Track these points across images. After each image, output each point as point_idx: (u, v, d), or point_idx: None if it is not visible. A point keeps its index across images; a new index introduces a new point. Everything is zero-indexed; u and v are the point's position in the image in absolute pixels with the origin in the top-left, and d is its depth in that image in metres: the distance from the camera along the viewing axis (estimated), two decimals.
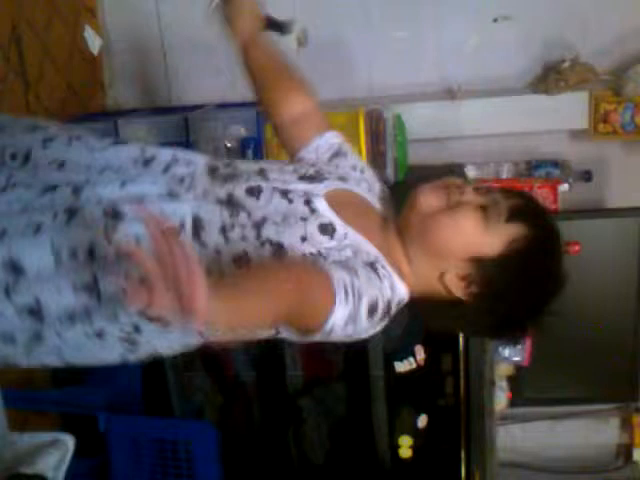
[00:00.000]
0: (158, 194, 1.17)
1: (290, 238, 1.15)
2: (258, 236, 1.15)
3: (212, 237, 1.14)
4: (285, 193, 1.20)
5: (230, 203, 1.17)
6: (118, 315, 1.13)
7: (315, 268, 1.10)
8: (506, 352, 2.49)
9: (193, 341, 1.20)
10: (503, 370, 2.66)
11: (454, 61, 2.89)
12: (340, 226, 1.19)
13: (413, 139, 2.77)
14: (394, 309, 1.20)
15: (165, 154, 1.24)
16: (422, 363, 2.53)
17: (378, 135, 2.66)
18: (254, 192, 1.19)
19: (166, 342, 1.20)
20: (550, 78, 2.78)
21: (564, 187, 2.79)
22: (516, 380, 2.78)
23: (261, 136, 2.63)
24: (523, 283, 1.18)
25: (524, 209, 1.19)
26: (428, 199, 1.21)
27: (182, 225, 1.14)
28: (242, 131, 2.64)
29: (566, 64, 2.74)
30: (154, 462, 2.43)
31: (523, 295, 1.19)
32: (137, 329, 1.15)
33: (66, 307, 1.13)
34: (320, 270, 1.09)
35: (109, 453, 2.41)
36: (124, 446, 2.41)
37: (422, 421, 2.60)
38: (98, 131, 2.66)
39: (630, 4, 2.77)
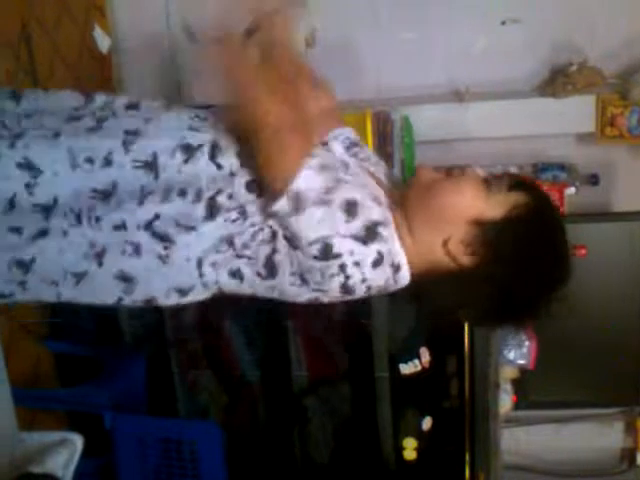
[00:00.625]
0: (179, 127, 1.23)
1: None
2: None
3: (228, 160, 1.19)
4: None
5: None
6: (126, 224, 1.17)
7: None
8: (511, 355, 2.49)
9: (188, 282, 1.21)
10: (508, 373, 2.65)
11: (462, 63, 2.90)
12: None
13: (420, 141, 2.77)
14: (385, 251, 1.16)
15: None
16: (427, 365, 2.53)
17: (385, 136, 2.66)
18: None
19: (163, 281, 1.20)
20: (558, 81, 2.79)
21: (571, 190, 2.80)
22: (521, 383, 2.77)
23: None
24: (525, 249, 1.18)
25: (524, 183, 1.24)
26: (429, 173, 1.26)
27: (200, 146, 1.20)
28: None
29: (574, 67, 2.74)
30: (159, 461, 2.43)
31: (525, 263, 1.18)
32: (137, 250, 1.17)
33: (77, 205, 1.17)
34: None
35: (114, 452, 2.41)
36: (129, 445, 2.41)
37: (427, 423, 2.60)
38: None
39: (638, 9, 2.77)
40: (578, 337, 2.82)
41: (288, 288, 1.17)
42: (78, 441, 1.13)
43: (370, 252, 1.13)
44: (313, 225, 1.11)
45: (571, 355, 2.85)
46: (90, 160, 1.18)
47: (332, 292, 1.16)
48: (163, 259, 1.17)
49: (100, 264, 1.18)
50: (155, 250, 1.17)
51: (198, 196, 1.17)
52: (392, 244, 1.16)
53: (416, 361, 2.54)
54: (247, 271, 1.17)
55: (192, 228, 1.16)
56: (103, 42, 2.95)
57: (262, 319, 2.68)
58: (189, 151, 1.19)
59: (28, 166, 1.18)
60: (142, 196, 1.17)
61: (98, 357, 2.65)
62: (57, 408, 2.57)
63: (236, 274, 1.18)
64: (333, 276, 1.13)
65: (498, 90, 2.89)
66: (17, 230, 1.17)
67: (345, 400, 2.70)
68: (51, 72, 2.63)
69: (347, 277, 1.14)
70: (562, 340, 2.81)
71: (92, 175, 1.18)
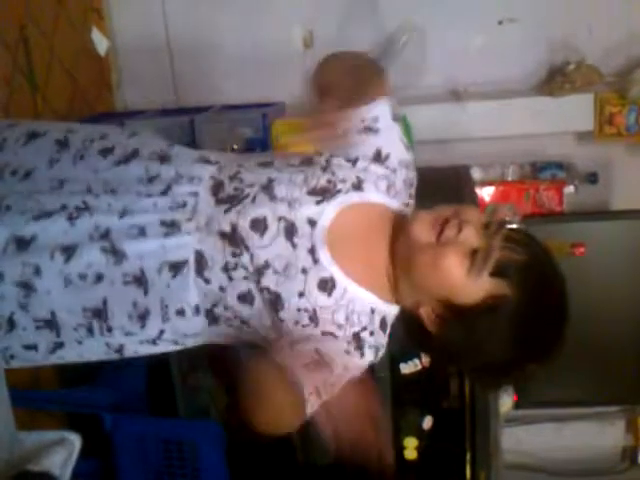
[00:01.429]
0: (159, 223, 1.17)
1: (288, 291, 1.14)
2: (258, 283, 1.15)
3: (216, 275, 1.16)
4: (289, 230, 1.16)
5: (233, 239, 1.15)
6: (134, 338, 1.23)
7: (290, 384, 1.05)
8: None
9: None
10: None
11: (460, 63, 2.90)
12: (340, 280, 1.16)
13: (419, 140, 2.76)
14: (386, 335, 1.22)
15: (168, 171, 1.23)
16: (427, 365, 2.54)
17: None
18: (259, 226, 1.16)
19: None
20: (555, 80, 2.79)
21: (569, 189, 2.80)
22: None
23: (267, 137, 2.64)
24: (495, 339, 1.15)
25: (517, 266, 1.12)
26: (420, 230, 1.16)
27: (185, 262, 1.16)
28: (248, 132, 2.65)
29: (571, 66, 2.74)
30: (160, 462, 2.43)
31: (496, 350, 1.16)
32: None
33: (81, 323, 1.21)
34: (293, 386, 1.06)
35: (114, 453, 2.41)
36: (129, 446, 2.42)
37: (427, 423, 2.60)
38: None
39: (635, 7, 2.78)
40: (578, 335, 2.79)
41: None
42: (76, 440, 1.14)
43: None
44: None
45: (571, 354, 2.80)
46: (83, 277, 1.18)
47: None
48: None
49: (121, 355, 1.28)
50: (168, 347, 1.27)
51: (197, 310, 1.19)
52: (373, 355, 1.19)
53: (416, 360, 2.54)
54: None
55: (198, 334, 1.23)
56: (101, 44, 2.96)
57: None
58: (176, 268, 1.18)
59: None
60: (140, 317, 1.20)
61: None
62: (57, 409, 2.57)
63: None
64: None
65: (496, 89, 2.89)
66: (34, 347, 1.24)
67: None
68: (49, 75, 2.64)
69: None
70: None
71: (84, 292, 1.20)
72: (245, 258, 1.15)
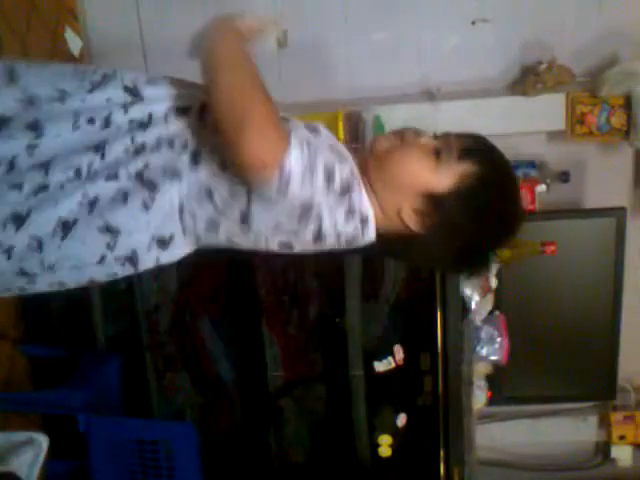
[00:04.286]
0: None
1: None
2: None
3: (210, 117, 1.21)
4: None
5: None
6: (118, 175, 1.20)
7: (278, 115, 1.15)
8: (484, 351, 2.51)
9: (169, 229, 1.24)
10: (481, 369, 2.68)
11: (433, 63, 2.92)
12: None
13: None
14: (359, 238, 1.26)
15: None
16: (401, 362, 2.55)
17: (357, 136, 2.67)
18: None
19: (146, 232, 1.23)
20: (528, 80, 2.81)
21: (542, 188, 2.82)
22: (495, 379, 2.80)
23: None
24: (475, 218, 1.25)
25: (475, 148, 1.26)
26: (383, 141, 1.30)
27: (190, 107, 1.25)
28: None
29: (543, 66, 2.77)
30: (134, 462, 2.43)
31: (476, 230, 1.26)
32: (125, 197, 1.20)
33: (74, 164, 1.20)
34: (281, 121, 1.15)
35: (89, 454, 2.40)
36: (104, 447, 2.41)
37: (401, 420, 2.61)
38: None
39: (606, 7, 2.81)
40: (550, 332, 2.86)
41: (263, 230, 1.22)
42: (44, 441, 1.14)
43: (343, 201, 1.20)
44: (296, 196, 1.15)
45: (544, 351, 2.88)
46: (91, 120, 1.22)
47: (305, 237, 1.22)
48: (147, 205, 1.21)
49: (90, 211, 1.20)
50: (140, 197, 1.21)
51: (184, 147, 1.22)
52: (361, 197, 1.23)
53: (390, 359, 2.55)
54: (223, 223, 1.22)
55: (177, 176, 1.21)
56: (75, 45, 2.94)
57: (237, 319, 2.69)
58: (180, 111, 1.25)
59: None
60: (135, 150, 1.21)
61: (72, 359, 2.64)
62: (31, 411, 2.56)
63: (212, 225, 1.23)
64: (308, 224, 1.19)
65: (469, 89, 2.91)
66: (18, 186, 1.19)
67: (320, 399, 2.71)
68: None
69: (320, 224, 1.20)
70: (535, 336, 2.84)
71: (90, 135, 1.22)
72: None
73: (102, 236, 1.21)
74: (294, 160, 1.12)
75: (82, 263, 1.24)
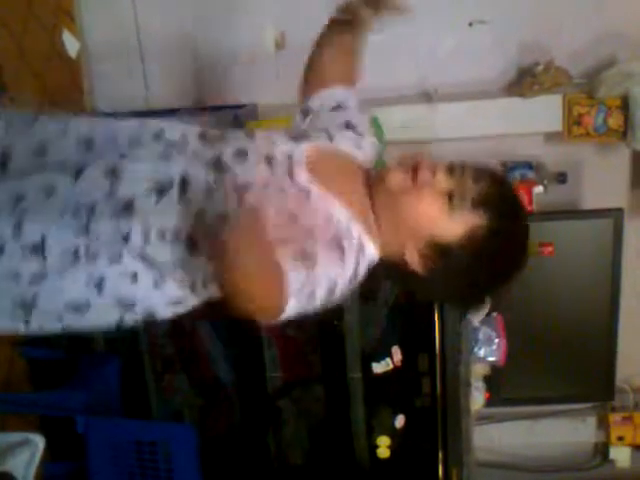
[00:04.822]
0: (152, 156, 1.23)
1: (268, 208, 1.18)
2: (239, 201, 1.19)
3: (197, 196, 1.19)
4: (269, 159, 1.25)
5: (217, 165, 1.22)
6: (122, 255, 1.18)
7: (274, 264, 1.10)
8: (481, 352, 2.51)
9: (185, 298, 1.25)
10: (479, 370, 2.68)
11: (430, 65, 2.91)
12: (316, 192, 1.24)
13: (390, 141, 2.78)
14: (362, 271, 1.26)
15: (154, 125, 1.28)
16: (399, 364, 2.55)
17: None
18: (242, 155, 1.24)
19: (160, 298, 1.23)
20: (525, 81, 2.82)
21: (539, 189, 2.82)
22: (493, 380, 2.80)
23: None
24: (479, 268, 1.24)
25: (490, 197, 1.22)
26: (396, 176, 1.25)
27: (171, 183, 1.19)
28: None
29: (540, 68, 2.77)
30: (133, 464, 2.43)
31: (479, 277, 1.26)
32: (135, 278, 1.19)
33: (69, 247, 1.18)
34: (278, 268, 1.11)
35: (87, 455, 2.40)
36: (102, 448, 2.41)
37: (400, 421, 2.61)
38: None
39: (603, 9, 2.81)
40: (548, 333, 2.86)
41: None
42: (40, 442, 1.14)
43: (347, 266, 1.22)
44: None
45: (542, 352, 2.88)
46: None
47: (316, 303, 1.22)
48: (159, 284, 1.21)
49: (100, 293, 1.20)
50: (151, 276, 1.20)
51: (177, 235, 1.19)
52: (354, 262, 1.23)
53: (388, 360, 2.56)
54: None
55: (176, 265, 1.21)
56: (72, 46, 2.94)
57: (236, 321, 2.68)
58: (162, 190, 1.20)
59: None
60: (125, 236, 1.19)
61: (72, 361, 2.65)
62: (30, 412, 2.56)
63: None
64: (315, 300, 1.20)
65: (466, 91, 2.91)
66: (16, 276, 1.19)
67: (319, 400, 2.71)
68: (18, 77, 2.62)
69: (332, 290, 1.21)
70: (533, 337, 2.84)
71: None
72: (228, 180, 1.20)
73: (117, 308, 1.23)
74: (292, 306, 1.14)
75: (104, 325, 1.26)
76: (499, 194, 1.24)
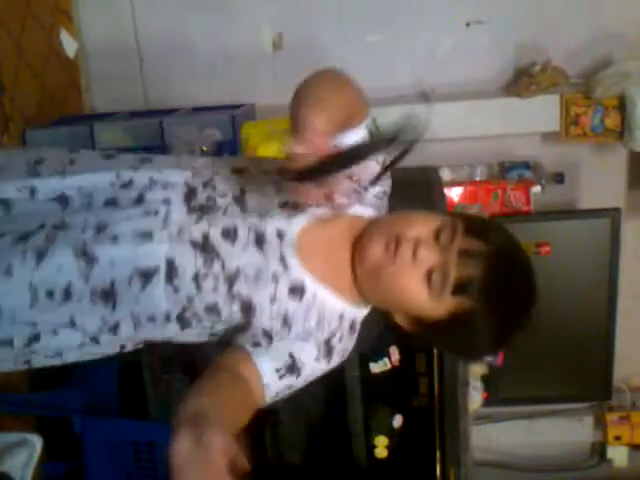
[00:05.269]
0: (132, 233, 1.16)
1: (260, 297, 1.16)
2: (230, 290, 1.15)
3: (185, 284, 1.15)
4: (260, 241, 1.17)
5: (205, 248, 1.15)
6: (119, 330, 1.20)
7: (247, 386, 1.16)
8: None
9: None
10: (477, 370, 2.68)
11: (428, 65, 2.92)
12: (310, 285, 1.18)
13: None
14: (352, 344, 1.28)
15: (142, 178, 1.22)
16: (397, 364, 2.55)
17: None
18: (230, 235, 1.16)
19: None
20: (522, 81, 2.82)
21: (536, 189, 2.83)
22: (491, 380, 2.80)
23: (236, 139, 2.65)
24: (470, 341, 1.20)
25: (477, 280, 1.11)
26: (375, 251, 1.16)
27: (156, 270, 1.15)
28: (217, 134, 2.65)
29: (537, 68, 2.77)
30: (130, 464, 2.42)
31: (473, 348, 1.24)
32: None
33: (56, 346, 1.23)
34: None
35: (85, 456, 2.40)
36: (100, 448, 2.40)
37: (397, 421, 2.61)
38: (74, 135, 2.70)
39: (599, 9, 2.82)
40: (546, 333, 2.85)
41: None
42: (37, 442, 1.14)
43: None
44: None
45: (540, 352, 2.87)
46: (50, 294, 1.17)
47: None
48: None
49: (97, 343, 1.24)
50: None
51: (168, 318, 1.19)
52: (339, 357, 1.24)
53: (386, 360, 2.55)
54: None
55: (170, 338, 1.24)
56: (70, 46, 2.94)
57: None
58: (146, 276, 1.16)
59: None
60: (114, 327, 1.19)
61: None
62: (28, 413, 2.55)
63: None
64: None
65: (464, 91, 2.92)
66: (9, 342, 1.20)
67: (316, 400, 2.71)
68: (17, 77, 2.62)
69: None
70: (530, 337, 2.83)
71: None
72: (216, 266, 1.15)
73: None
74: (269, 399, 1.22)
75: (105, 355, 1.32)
76: (487, 274, 1.11)
